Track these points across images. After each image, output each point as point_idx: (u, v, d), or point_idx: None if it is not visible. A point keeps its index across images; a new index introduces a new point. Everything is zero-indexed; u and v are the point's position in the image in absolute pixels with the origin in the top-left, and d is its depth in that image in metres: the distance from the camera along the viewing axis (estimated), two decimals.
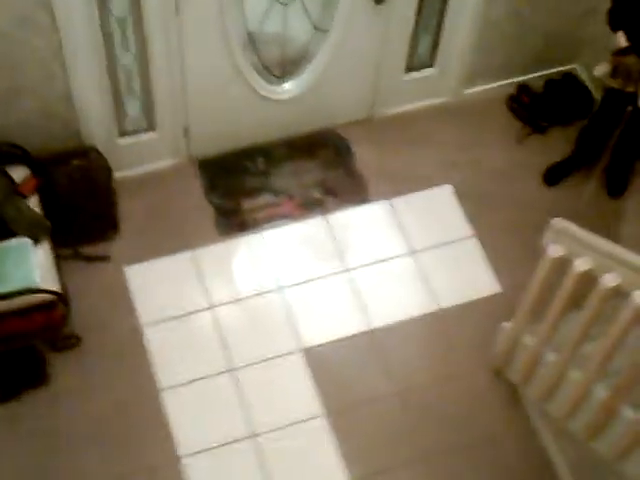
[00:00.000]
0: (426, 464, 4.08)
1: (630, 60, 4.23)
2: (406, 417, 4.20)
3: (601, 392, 3.72)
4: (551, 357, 3.90)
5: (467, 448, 4.13)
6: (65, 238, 4.33)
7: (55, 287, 3.93)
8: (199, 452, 4.04)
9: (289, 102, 4.79)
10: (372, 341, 4.39)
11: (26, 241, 3.92)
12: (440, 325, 4.47)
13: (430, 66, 5.05)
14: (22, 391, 4.12)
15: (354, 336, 4.41)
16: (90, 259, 4.46)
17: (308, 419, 4.16)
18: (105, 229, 4.53)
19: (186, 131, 4.70)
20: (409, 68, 5.00)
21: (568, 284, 3.62)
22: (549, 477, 4.07)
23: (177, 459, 4.03)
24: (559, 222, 3.59)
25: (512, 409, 4.24)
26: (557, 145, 5.06)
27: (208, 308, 4.42)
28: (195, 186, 4.78)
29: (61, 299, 3.98)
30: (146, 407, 4.14)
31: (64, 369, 4.20)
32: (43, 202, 4.12)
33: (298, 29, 4.54)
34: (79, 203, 4.35)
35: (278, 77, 4.70)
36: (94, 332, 4.29)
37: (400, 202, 4.82)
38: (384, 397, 4.25)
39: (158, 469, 4.01)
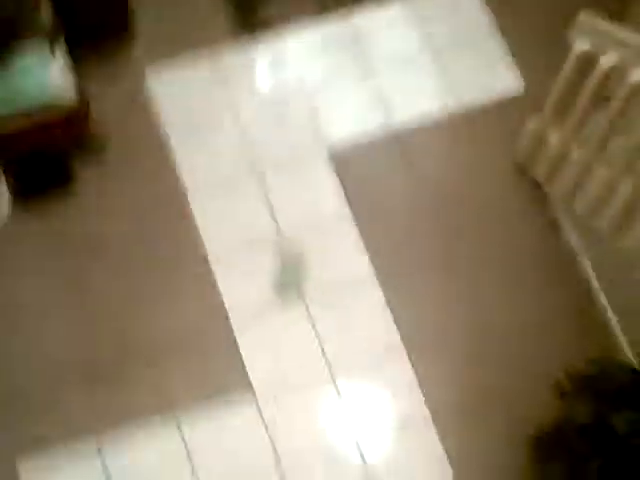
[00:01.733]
0: (450, 264, 4.15)
1: None
2: (431, 211, 4.23)
3: (627, 188, 3.69)
4: (577, 154, 3.86)
5: (490, 244, 4.18)
6: (78, 37, 4.15)
7: (73, 92, 3.85)
8: (225, 253, 4.13)
9: None
10: (396, 140, 4.34)
11: (40, 47, 3.83)
12: (464, 124, 4.38)
13: None
14: (47, 189, 4.17)
15: (379, 137, 4.36)
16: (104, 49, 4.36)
17: (334, 216, 4.21)
18: (118, 25, 4.42)
19: None
20: None
21: (594, 79, 3.52)
22: (571, 271, 4.12)
23: (204, 260, 4.13)
24: (586, 16, 3.46)
25: (537, 207, 4.24)
26: None
27: (230, 110, 4.37)
28: None
29: (81, 104, 3.92)
30: (172, 209, 4.20)
31: (90, 175, 4.23)
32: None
33: None
34: None
35: None
36: (117, 139, 4.29)
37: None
38: (408, 194, 4.25)
39: (184, 267, 4.13)
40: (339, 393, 3.94)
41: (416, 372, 3.96)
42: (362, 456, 3.87)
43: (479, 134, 4.37)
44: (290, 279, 4.07)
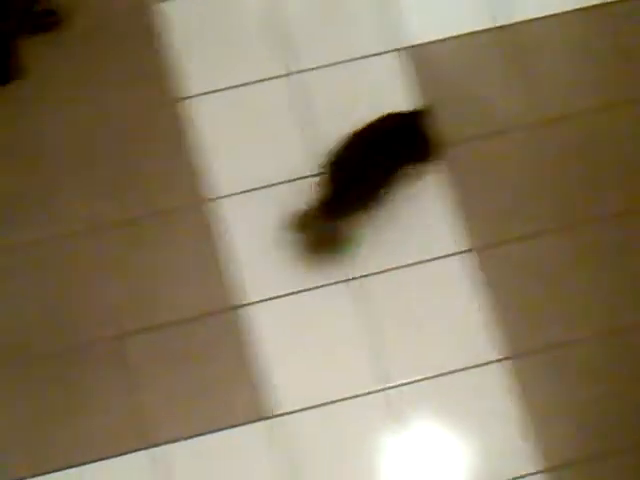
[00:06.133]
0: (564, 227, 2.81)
1: None
2: (545, 156, 2.86)
3: None
4: None
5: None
6: None
7: None
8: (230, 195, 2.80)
9: None
10: (506, 40, 2.93)
11: None
12: (605, 22, 2.97)
13: None
14: None
15: (480, 32, 2.93)
16: None
17: None
18: None
19: None
20: None
21: None
22: None
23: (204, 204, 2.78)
24: None
25: None
26: None
27: None
28: None
29: None
30: (163, 119, 2.82)
31: (42, 62, 2.86)
32: None
33: None
34: None
35: None
36: (87, 7, 2.89)
37: None
38: (514, 126, 2.87)
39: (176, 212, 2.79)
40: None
41: None
42: None
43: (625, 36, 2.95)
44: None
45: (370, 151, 2.60)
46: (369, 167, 2.59)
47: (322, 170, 2.63)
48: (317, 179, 2.65)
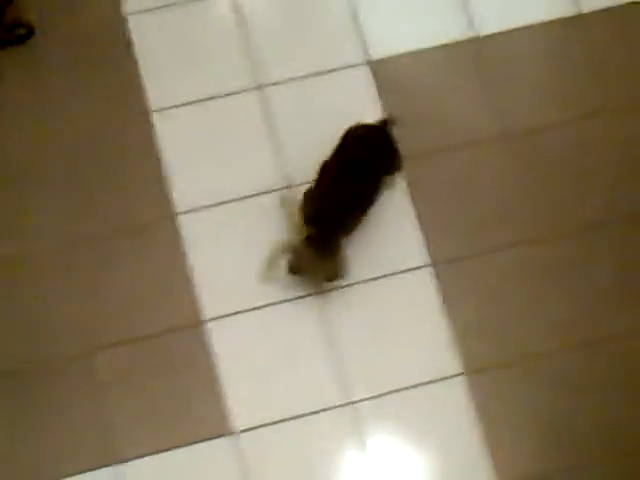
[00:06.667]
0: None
1: None
2: (511, 169, 2.86)
3: None
4: None
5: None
6: None
7: None
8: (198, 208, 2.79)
9: None
10: (473, 53, 2.94)
11: None
12: (578, 35, 2.98)
13: None
14: None
15: (446, 46, 2.94)
16: None
17: None
18: None
19: None
20: None
21: None
22: None
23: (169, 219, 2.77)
24: None
25: None
26: None
27: None
28: None
29: None
30: (130, 134, 2.82)
31: (10, 76, 2.86)
32: None
33: None
34: None
35: None
36: (56, 21, 2.90)
37: None
38: (479, 140, 2.88)
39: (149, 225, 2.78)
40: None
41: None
42: None
43: (599, 49, 2.97)
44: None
45: (348, 174, 2.59)
46: (351, 192, 2.58)
47: (305, 203, 2.62)
48: (298, 206, 2.64)
